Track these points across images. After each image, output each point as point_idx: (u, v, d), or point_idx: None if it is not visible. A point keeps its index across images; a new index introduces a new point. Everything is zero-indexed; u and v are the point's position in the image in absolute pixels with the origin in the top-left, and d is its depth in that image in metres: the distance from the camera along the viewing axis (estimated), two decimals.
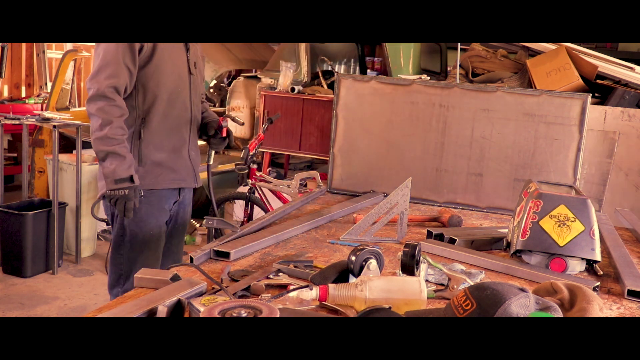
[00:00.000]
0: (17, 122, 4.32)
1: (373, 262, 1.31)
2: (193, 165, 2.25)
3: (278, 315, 0.97)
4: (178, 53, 2.14)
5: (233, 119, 2.68)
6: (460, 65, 4.70)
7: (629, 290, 1.39)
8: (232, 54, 6.01)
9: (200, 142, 2.35)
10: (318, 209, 2.14)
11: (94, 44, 7.85)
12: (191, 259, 1.46)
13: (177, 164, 2.18)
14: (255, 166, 3.89)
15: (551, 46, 4.45)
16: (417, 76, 4.36)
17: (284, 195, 3.91)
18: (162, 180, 2.14)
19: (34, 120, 4.28)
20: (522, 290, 0.98)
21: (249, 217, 3.89)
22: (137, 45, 2.00)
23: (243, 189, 4.05)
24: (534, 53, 4.66)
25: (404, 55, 4.67)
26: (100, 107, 1.96)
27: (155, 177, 2.12)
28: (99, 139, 1.97)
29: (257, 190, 3.92)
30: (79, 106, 6.84)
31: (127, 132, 2.03)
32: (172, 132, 2.15)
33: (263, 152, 4.84)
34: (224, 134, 2.29)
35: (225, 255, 1.51)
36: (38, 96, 6.47)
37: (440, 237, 1.79)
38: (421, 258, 1.38)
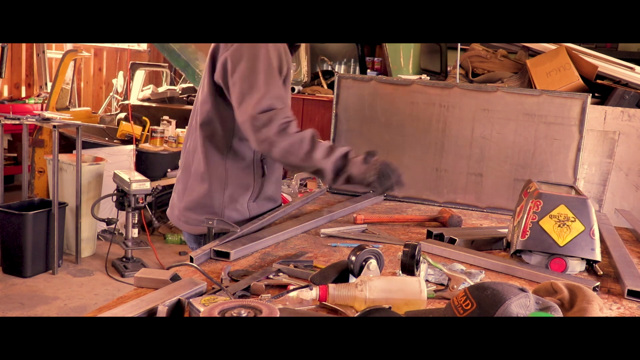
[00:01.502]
0: (17, 122, 4.32)
1: (373, 262, 1.31)
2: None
3: (278, 315, 0.97)
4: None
5: None
6: (460, 65, 4.70)
7: (628, 290, 1.39)
8: None
9: None
10: (318, 209, 2.14)
11: (98, 44, 7.84)
12: (191, 259, 1.45)
13: (278, 193, 2.02)
14: None
15: (551, 46, 4.45)
16: (417, 76, 4.36)
17: (284, 195, 3.91)
18: (266, 208, 1.95)
19: (34, 120, 4.28)
20: (522, 290, 0.98)
21: None
22: (284, 70, 1.73)
23: None
24: (534, 53, 4.66)
25: (404, 55, 4.67)
26: (281, 132, 1.63)
27: (263, 207, 1.94)
28: (323, 159, 1.66)
29: None
30: (79, 106, 6.85)
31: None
32: (277, 167, 1.96)
33: None
34: None
35: (225, 255, 1.50)
36: (38, 96, 6.48)
37: (440, 237, 1.78)
38: (421, 258, 1.38)
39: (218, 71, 1.76)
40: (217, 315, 0.96)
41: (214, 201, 1.84)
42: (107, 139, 5.62)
